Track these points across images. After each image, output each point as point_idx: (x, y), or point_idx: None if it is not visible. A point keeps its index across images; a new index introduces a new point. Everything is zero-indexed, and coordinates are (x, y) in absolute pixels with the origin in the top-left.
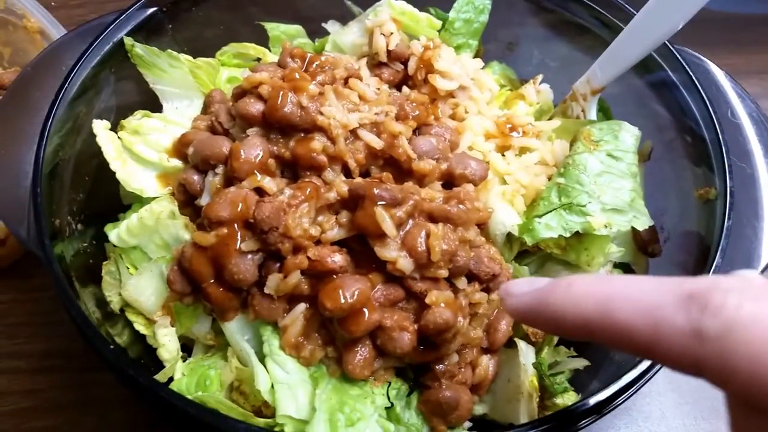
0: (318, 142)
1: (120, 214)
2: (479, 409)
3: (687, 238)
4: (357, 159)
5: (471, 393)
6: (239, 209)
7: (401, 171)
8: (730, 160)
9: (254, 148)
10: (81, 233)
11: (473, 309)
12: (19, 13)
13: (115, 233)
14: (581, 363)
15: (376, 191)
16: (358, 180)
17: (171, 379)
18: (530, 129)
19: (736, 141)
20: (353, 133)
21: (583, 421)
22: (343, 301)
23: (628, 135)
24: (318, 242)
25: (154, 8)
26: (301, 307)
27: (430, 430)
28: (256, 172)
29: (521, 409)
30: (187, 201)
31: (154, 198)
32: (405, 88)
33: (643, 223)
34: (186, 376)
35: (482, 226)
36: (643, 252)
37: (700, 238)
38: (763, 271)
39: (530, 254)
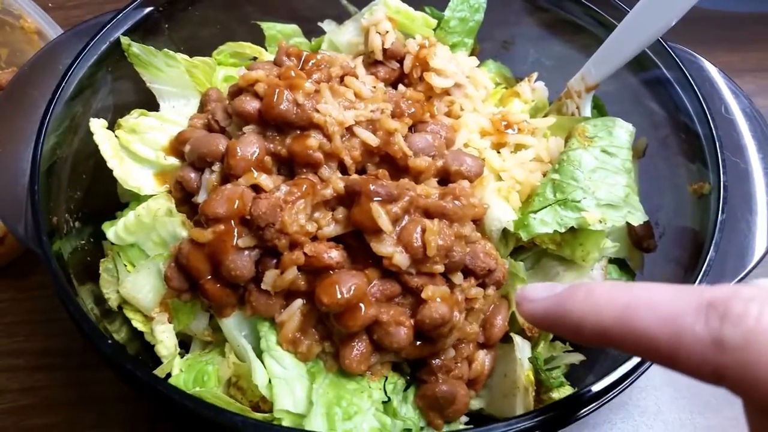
0: (314, 140)
1: (118, 212)
2: (476, 404)
3: (682, 233)
4: (353, 156)
5: (467, 388)
6: (236, 206)
7: (397, 168)
8: (723, 155)
9: (250, 145)
10: (79, 231)
11: (469, 304)
12: (16, 14)
13: (113, 231)
14: (577, 358)
15: (371, 187)
16: (355, 177)
17: (169, 375)
18: (525, 126)
19: (730, 136)
20: (349, 130)
21: (577, 413)
22: (339, 296)
23: (622, 131)
24: (314, 238)
25: (151, 8)
26: (298, 302)
27: (427, 425)
28: (252, 169)
29: (517, 403)
30: (184, 198)
31: (151, 196)
32: (401, 86)
33: (637, 218)
34: (184, 372)
35: (478, 222)
36: (638, 247)
37: (695, 233)
38: (756, 266)
39: (526, 250)
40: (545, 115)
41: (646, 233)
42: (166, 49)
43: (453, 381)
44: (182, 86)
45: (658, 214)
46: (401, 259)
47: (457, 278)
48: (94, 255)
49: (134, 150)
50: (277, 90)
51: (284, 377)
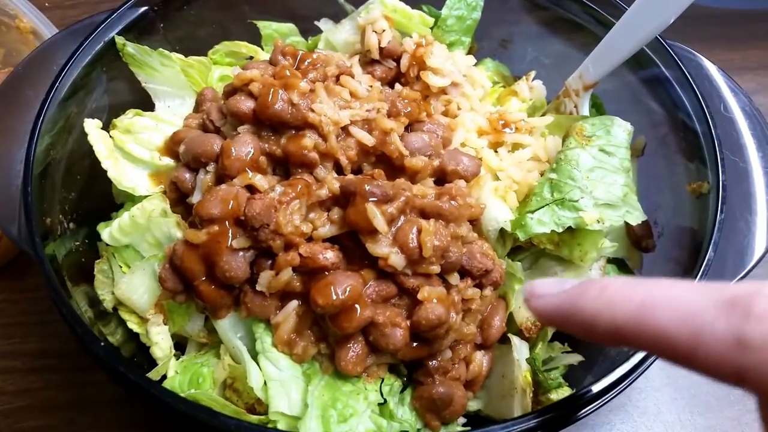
0: (309, 139)
1: (113, 213)
2: (473, 405)
3: (681, 232)
4: (349, 156)
5: (465, 389)
6: (230, 207)
7: (393, 168)
8: (722, 154)
9: (245, 145)
10: (73, 232)
11: (466, 305)
12: (11, 14)
13: (108, 232)
14: (575, 358)
15: (367, 187)
16: (350, 177)
17: (164, 377)
18: (523, 125)
19: (729, 135)
20: (345, 130)
21: (576, 414)
22: (334, 297)
23: (620, 130)
24: (310, 239)
25: (146, 7)
26: (294, 304)
27: (424, 427)
28: (247, 169)
29: (515, 404)
30: (179, 199)
31: (146, 196)
32: (397, 85)
33: (636, 217)
34: (179, 374)
35: (475, 222)
36: (637, 247)
37: (694, 232)
38: (755, 266)
39: (523, 250)
40: (543, 114)
41: (645, 233)
42: (161, 49)
43: (450, 382)
44: (177, 86)
45: (657, 213)
46: (397, 259)
47: (454, 279)
48: (89, 256)
49: (129, 150)
50: (272, 89)
51: (280, 379)
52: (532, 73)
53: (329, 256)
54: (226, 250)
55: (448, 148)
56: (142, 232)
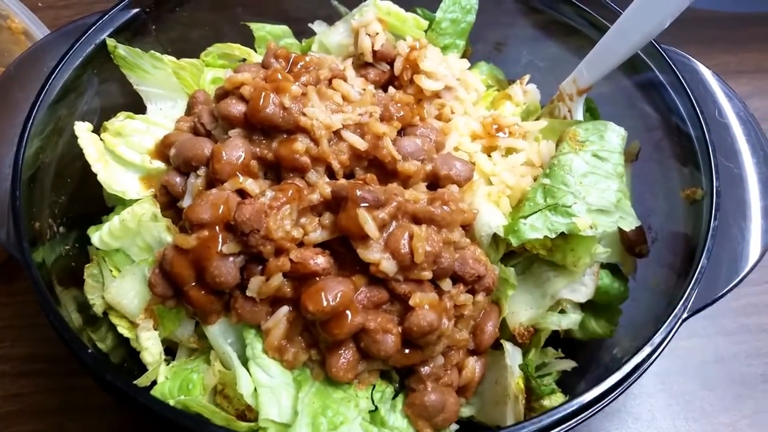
0: (301, 144)
1: (103, 217)
2: (466, 411)
3: (674, 238)
4: (341, 160)
5: (457, 395)
6: (220, 211)
7: (386, 172)
8: (717, 160)
9: (236, 149)
10: (63, 236)
11: (458, 311)
12: (3, 14)
13: (98, 236)
14: (568, 364)
15: (358, 193)
16: (342, 181)
17: (154, 383)
18: (517, 129)
19: (724, 140)
20: (337, 134)
21: (569, 423)
22: (325, 303)
23: (614, 135)
24: (301, 244)
25: (137, 9)
26: (284, 309)
27: None
28: (238, 173)
29: (508, 411)
30: (170, 203)
31: (136, 200)
32: (391, 89)
33: (629, 223)
34: (169, 380)
35: (467, 228)
36: (631, 253)
37: (688, 238)
38: (749, 272)
39: (516, 255)
40: (537, 118)
41: (639, 238)
42: (152, 51)
43: (442, 389)
44: (169, 88)
45: (651, 218)
46: (388, 265)
47: (446, 285)
48: (79, 260)
49: (120, 153)
50: (263, 93)
51: (270, 386)
52: (527, 77)
53: (320, 261)
54: (216, 256)
55: (441, 153)
56: (133, 237)
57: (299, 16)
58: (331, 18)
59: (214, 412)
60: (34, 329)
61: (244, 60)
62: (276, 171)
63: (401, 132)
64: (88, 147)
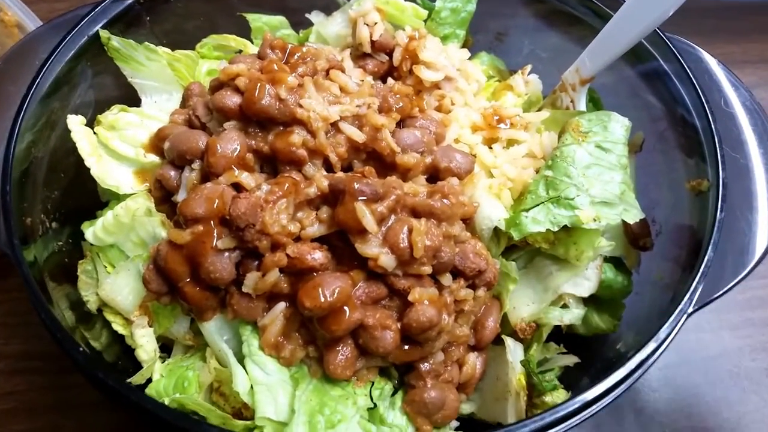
0: (297, 136)
1: (97, 212)
2: (466, 408)
3: (679, 230)
4: (338, 153)
5: (458, 392)
6: (215, 206)
7: (384, 165)
8: (723, 150)
9: (231, 142)
10: (56, 232)
11: (459, 306)
12: None
13: (92, 231)
14: (571, 360)
15: (356, 186)
16: (339, 174)
17: (149, 381)
18: (518, 120)
19: (730, 131)
20: (334, 126)
21: (573, 419)
22: (322, 299)
23: (617, 126)
24: (298, 239)
25: (131, 0)
26: (281, 305)
27: (416, 431)
28: (233, 167)
29: (509, 407)
30: (164, 197)
31: (130, 195)
32: (389, 80)
33: (633, 216)
34: (164, 378)
35: (468, 221)
36: (635, 246)
37: (693, 230)
38: (756, 265)
39: (518, 249)
40: (539, 109)
41: (643, 231)
42: (147, 43)
43: (442, 385)
44: (164, 81)
45: (655, 211)
46: (387, 260)
47: (446, 279)
48: (73, 256)
49: (113, 147)
50: (259, 84)
51: (266, 383)
52: (528, 67)
53: (317, 256)
54: (210, 251)
55: (441, 145)
56: (127, 232)
57: (296, 7)
58: (329, 8)
59: (210, 410)
60: (28, 327)
61: (240, 51)
62: (272, 164)
63: (400, 124)
64: (81, 141)
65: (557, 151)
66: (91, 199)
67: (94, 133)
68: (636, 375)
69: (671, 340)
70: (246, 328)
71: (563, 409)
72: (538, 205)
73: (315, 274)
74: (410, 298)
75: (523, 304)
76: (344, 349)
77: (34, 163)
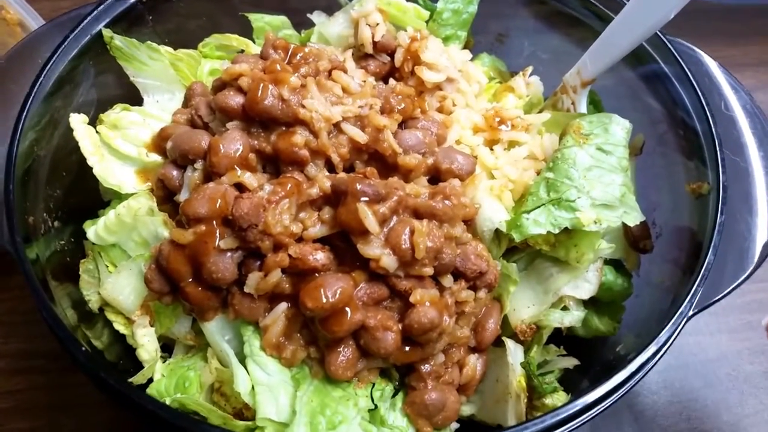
0: (300, 136)
1: (100, 211)
2: (466, 410)
3: (679, 233)
4: (340, 153)
5: (458, 393)
6: (218, 206)
7: (386, 166)
8: (723, 154)
9: (234, 142)
10: (58, 231)
11: (460, 307)
12: None
13: (93, 230)
14: (571, 362)
15: (358, 187)
16: (342, 175)
17: (151, 381)
18: (519, 122)
19: (730, 134)
20: (336, 126)
21: (573, 422)
22: (324, 300)
23: (618, 128)
24: (300, 239)
25: None
26: (283, 306)
27: None
28: (236, 167)
29: (509, 409)
30: (166, 197)
31: (132, 194)
32: (391, 81)
33: (634, 218)
34: (165, 378)
35: (469, 223)
36: (635, 248)
37: (693, 233)
38: (756, 268)
39: (519, 251)
40: (540, 111)
41: (643, 234)
42: (149, 42)
43: (443, 387)
44: (167, 80)
45: (655, 213)
46: (389, 261)
47: (447, 281)
48: (75, 255)
49: (116, 146)
50: (262, 84)
51: (268, 384)
52: (529, 69)
53: (319, 257)
54: (213, 251)
55: (442, 146)
56: (129, 231)
57: (298, 7)
58: (331, 8)
59: (211, 410)
60: (28, 325)
61: (242, 51)
62: (275, 164)
63: (402, 125)
64: (83, 140)
65: (558, 152)
66: (93, 198)
67: (97, 132)
68: (636, 378)
69: (671, 343)
70: (247, 328)
71: (564, 411)
72: (539, 206)
73: (317, 274)
74: (411, 299)
75: (524, 306)
76: (345, 350)
77: (37, 161)
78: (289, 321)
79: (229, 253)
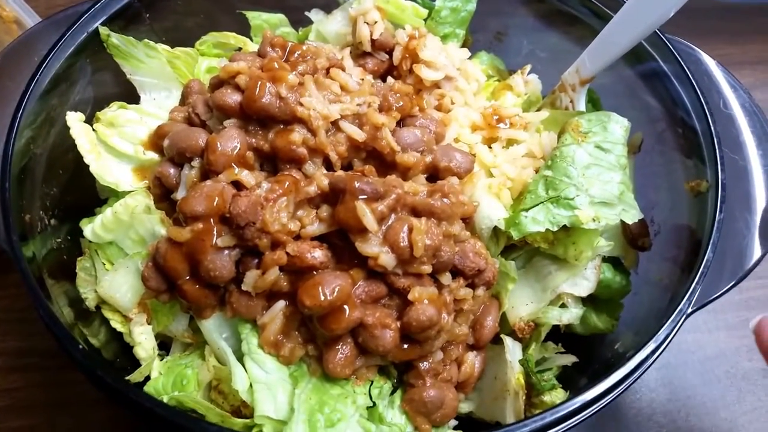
0: (298, 134)
1: (96, 209)
2: (465, 407)
3: (678, 231)
4: (338, 151)
5: (456, 391)
6: (215, 203)
7: (385, 164)
8: (722, 152)
9: (231, 140)
10: (55, 228)
11: (458, 305)
12: None
13: (90, 228)
14: (569, 359)
15: (357, 185)
16: (340, 173)
17: (148, 379)
18: (518, 120)
19: (729, 132)
20: (335, 124)
21: (571, 420)
22: (322, 298)
23: (617, 126)
24: (297, 237)
25: None
26: (281, 304)
27: (414, 430)
28: (233, 165)
29: (508, 407)
30: (163, 195)
31: (129, 192)
32: (390, 79)
33: (632, 216)
34: (162, 376)
35: (467, 221)
36: (633, 246)
37: (691, 231)
38: (754, 266)
39: (517, 248)
40: (538, 109)
41: (641, 231)
42: (146, 40)
43: (441, 384)
44: (164, 78)
45: (654, 211)
46: (387, 259)
47: (446, 279)
48: (72, 253)
49: (112, 144)
50: (259, 82)
51: (266, 381)
52: (528, 67)
53: (317, 255)
54: (210, 249)
55: (440, 144)
56: (126, 229)
57: (296, 5)
58: (329, 6)
59: (209, 408)
60: (25, 323)
61: (240, 49)
62: (272, 162)
63: (400, 123)
64: (80, 137)
65: (557, 151)
66: (90, 196)
67: (93, 130)
68: (635, 375)
69: (670, 340)
70: (245, 326)
71: (563, 409)
72: (537, 204)
73: (315, 272)
74: (410, 297)
75: (522, 303)
76: (344, 347)
77: (33, 159)
78: (287, 319)
79: (226, 251)
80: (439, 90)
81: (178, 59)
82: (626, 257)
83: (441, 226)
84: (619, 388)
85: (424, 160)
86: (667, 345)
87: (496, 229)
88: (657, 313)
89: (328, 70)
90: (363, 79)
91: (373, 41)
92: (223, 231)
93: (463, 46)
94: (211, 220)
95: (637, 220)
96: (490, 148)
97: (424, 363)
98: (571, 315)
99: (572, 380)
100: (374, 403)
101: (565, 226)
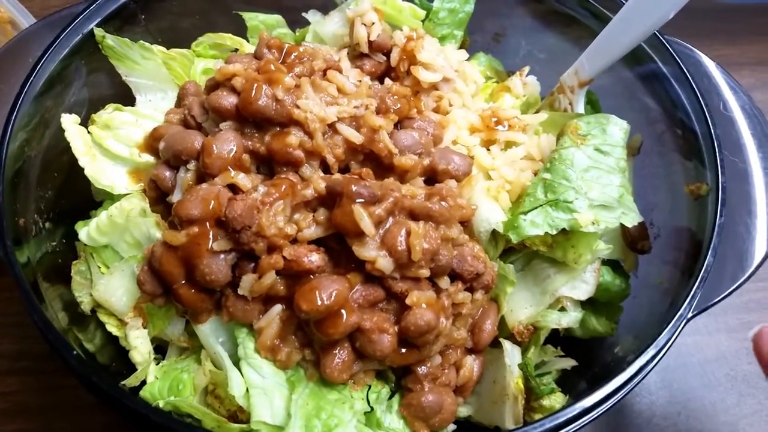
0: (294, 137)
1: (92, 211)
2: (463, 411)
3: (678, 234)
4: (336, 154)
5: (455, 395)
6: (211, 207)
7: (382, 166)
8: (722, 155)
9: (227, 143)
10: (50, 232)
11: (456, 309)
12: None
13: (85, 231)
14: (568, 363)
15: (354, 188)
16: (337, 176)
17: (143, 384)
18: (516, 122)
19: (729, 134)
20: (332, 127)
21: (571, 426)
22: (319, 302)
23: (616, 128)
24: (294, 241)
25: None
26: (277, 308)
27: None
28: (229, 168)
29: (506, 411)
30: (159, 198)
31: (124, 195)
32: (387, 80)
33: (631, 219)
34: (158, 380)
35: (466, 224)
36: (633, 249)
37: (692, 234)
38: (756, 270)
39: (516, 252)
40: (537, 111)
41: (641, 234)
42: (142, 41)
43: (439, 389)
44: (159, 79)
45: (653, 213)
46: (385, 263)
47: (444, 283)
48: (66, 257)
49: (107, 147)
50: (256, 85)
51: (262, 386)
52: (526, 69)
53: (314, 259)
54: (206, 253)
55: (438, 146)
56: (121, 232)
57: (293, 6)
58: (326, 7)
59: (205, 413)
60: (21, 327)
61: (236, 50)
62: (269, 165)
63: (398, 125)
64: (75, 140)
65: (555, 153)
66: (85, 199)
67: (88, 132)
68: (636, 380)
69: (671, 345)
70: (241, 330)
71: (563, 415)
72: (536, 207)
73: (312, 276)
74: (408, 301)
75: (521, 306)
76: (341, 352)
77: (28, 162)
78: (283, 323)
79: (222, 255)
80: (437, 92)
81: (173, 60)
82: (626, 260)
83: (439, 229)
84: (619, 394)
85: (422, 163)
86: (667, 350)
87: (494, 232)
88: (657, 317)
89: (325, 72)
90: (360, 81)
91: (370, 43)
92: (219, 235)
93: (461, 47)
94: (207, 223)
95: (636, 223)
96: (488, 150)
97: (422, 367)
98: (570, 318)
99: (572, 384)
100: (372, 408)
101: (564, 229)
